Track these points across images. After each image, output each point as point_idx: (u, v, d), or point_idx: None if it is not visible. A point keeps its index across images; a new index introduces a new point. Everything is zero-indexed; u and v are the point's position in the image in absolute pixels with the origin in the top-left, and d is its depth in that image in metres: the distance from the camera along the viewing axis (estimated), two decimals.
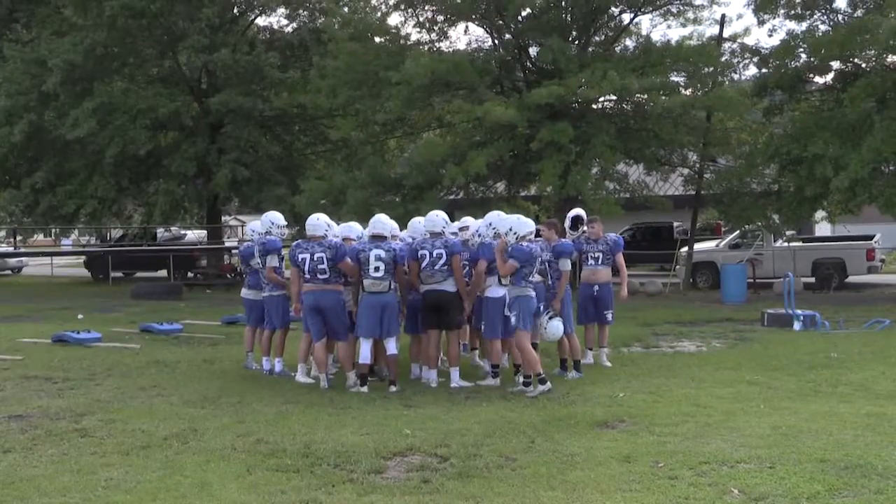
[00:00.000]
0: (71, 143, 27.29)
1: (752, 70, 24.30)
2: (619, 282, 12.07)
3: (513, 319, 9.71)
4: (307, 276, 10.19)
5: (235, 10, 30.61)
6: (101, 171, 28.08)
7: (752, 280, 22.36)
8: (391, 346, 10.01)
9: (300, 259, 10.22)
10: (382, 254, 9.85)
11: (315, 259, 10.10)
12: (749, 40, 24.29)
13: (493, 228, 10.15)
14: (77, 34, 26.92)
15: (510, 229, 9.73)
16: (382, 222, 10.31)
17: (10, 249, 36.29)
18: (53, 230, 37.96)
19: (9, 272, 39.58)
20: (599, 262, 11.52)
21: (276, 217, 11.67)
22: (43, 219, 30.28)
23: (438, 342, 10.51)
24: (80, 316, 19.24)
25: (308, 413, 8.85)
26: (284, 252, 11.45)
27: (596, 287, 11.51)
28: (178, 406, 9.31)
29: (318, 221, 10.44)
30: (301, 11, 30.67)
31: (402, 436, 7.78)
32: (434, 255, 10.06)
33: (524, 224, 9.91)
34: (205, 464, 7.06)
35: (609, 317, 11.63)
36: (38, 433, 8.25)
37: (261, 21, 32.20)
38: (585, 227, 11.66)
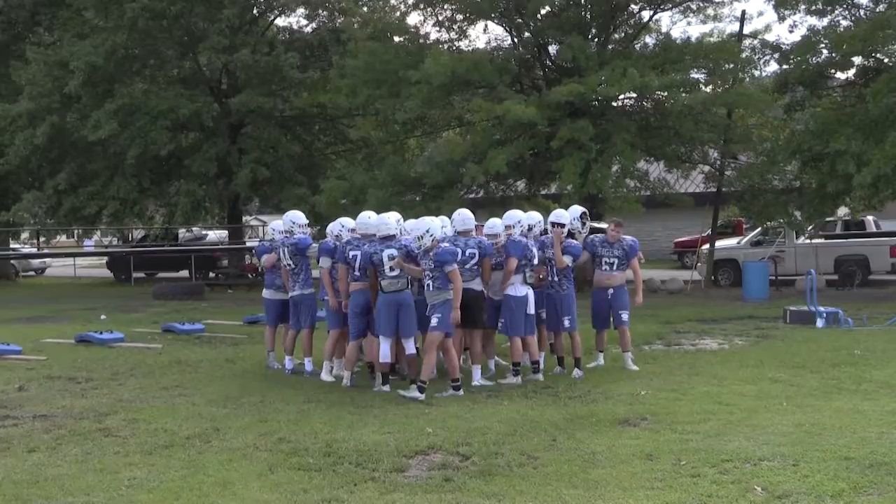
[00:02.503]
0: (93, 145, 27.45)
1: (773, 66, 24.22)
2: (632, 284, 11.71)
3: (433, 321, 9.51)
4: (357, 273, 10.26)
5: (255, 11, 30.67)
6: (123, 173, 28.22)
7: (774, 277, 22.24)
8: (409, 346, 9.98)
9: (351, 256, 10.28)
10: (395, 252, 9.83)
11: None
12: (770, 36, 24.14)
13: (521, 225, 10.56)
14: (98, 36, 27.06)
15: (427, 231, 9.59)
16: (387, 223, 10.15)
17: (34, 250, 36.54)
18: (76, 231, 38.16)
19: (32, 273, 39.84)
20: (615, 267, 11.23)
21: (297, 216, 11.65)
22: (66, 220, 30.46)
23: (462, 341, 10.50)
24: (103, 316, 19.34)
25: (330, 412, 8.87)
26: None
27: (610, 291, 11.23)
28: (200, 405, 9.35)
29: (386, 221, 10.24)
30: (320, 11, 30.69)
31: (424, 434, 7.79)
32: (467, 254, 10.03)
33: (462, 220, 10.28)
34: (227, 463, 7.09)
35: (624, 316, 11.25)
36: (62, 433, 8.30)
37: (280, 21, 32.31)
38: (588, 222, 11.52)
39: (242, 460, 7.16)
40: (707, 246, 24.95)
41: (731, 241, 26.33)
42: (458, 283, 9.50)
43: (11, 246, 39.22)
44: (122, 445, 7.76)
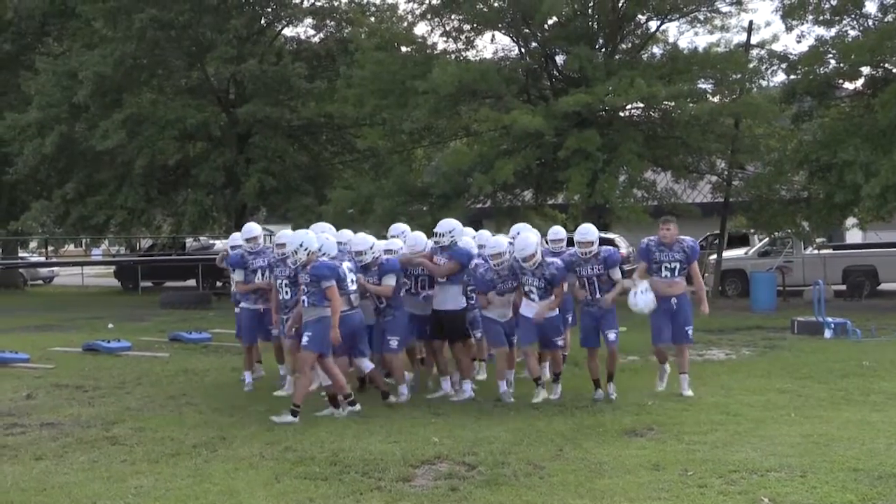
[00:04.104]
0: (101, 155, 27.54)
1: (781, 76, 24.13)
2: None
3: (304, 339, 9.00)
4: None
5: (263, 21, 30.76)
6: (131, 182, 28.30)
7: (781, 288, 22.18)
8: (365, 365, 9.82)
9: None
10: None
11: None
12: (777, 47, 24.01)
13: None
14: (107, 46, 27.16)
15: (301, 244, 9.16)
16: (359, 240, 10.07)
17: (42, 259, 36.63)
18: (84, 240, 38.27)
19: (40, 282, 39.93)
20: (676, 273, 9.86)
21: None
22: (74, 229, 30.55)
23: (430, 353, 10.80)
24: (110, 325, 19.37)
25: (335, 421, 8.87)
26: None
27: (674, 300, 9.85)
28: (206, 414, 9.36)
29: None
30: (328, 22, 30.79)
31: (430, 444, 7.78)
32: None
33: (414, 241, 10.26)
34: (233, 472, 7.09)
35: (690, 333, 9.94)
36: (69, 441, 8.31)
37: (288, 32, 32.34)
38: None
39: (248, 469, 7.16)
40: (714, 256, 24.90)
41: (738, 252, 26.27)
42: (336, 303, 8.91)
43: (20, 255, 39.40)
44: (128, 454, 7.77)
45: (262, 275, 10.91)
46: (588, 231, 9.90)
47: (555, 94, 23.10)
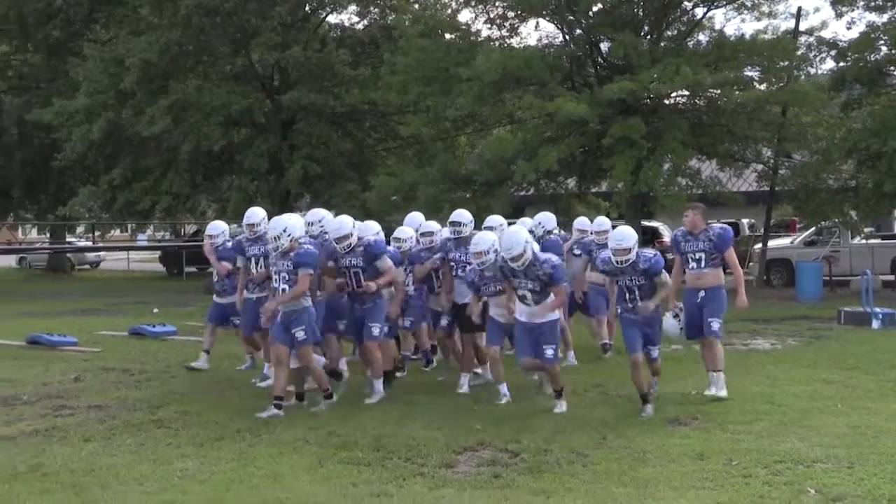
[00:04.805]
0: (147, 140, 27.82)
1: (830, 64, 23.81)
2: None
3: (300, 334, 8.62)
4: None
5: (307, 8, 30.82)
6: (176, 168, 28.58)
7: (828, 278, 21.92)
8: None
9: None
10: None
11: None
12: (826, 33, 23.67)
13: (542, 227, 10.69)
14: (153, 33, 27.40)
15: (284, 230, 8.70)
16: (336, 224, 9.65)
17: (89, 244, 37.09)
18: (130, 226, 38.68)
19: (87, 266, 40.49)
20: (703, 264, 9.07)
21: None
22: (120, 214, 30.90)
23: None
24: (155, 310, 19.57)
25: (378, 406, 8.91)
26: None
27: (701, 293, 9.08)
28: (250, 399, 9.42)
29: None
30: (372, 8, 30.82)
31: (473, 431, 7.79)
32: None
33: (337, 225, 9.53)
34: (277, 456, 7.15)
35: (714, 325, 8.98)
36: (116, 423, 8.42)
37: (332, 18, 32.45)
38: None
39: (292, 454, 7.21)
40: (759, 246, 24.65)
41: (784, 241, 25.99)
42: (301, 288, 8.54)
43: (67, 240, 39.93)
44: (174, 437, 7.86)
45: (257, 264, 10.05)
46: (624, 236, 8.50)
47: (599, 81, 22.94)
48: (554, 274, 8.50)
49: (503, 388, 9.16)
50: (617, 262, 8.47)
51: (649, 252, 8.70)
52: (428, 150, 27.50)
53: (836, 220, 22.85)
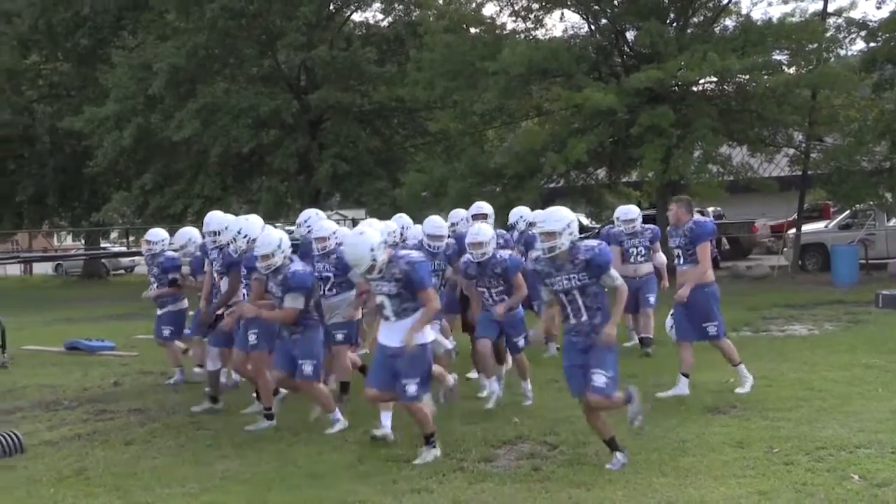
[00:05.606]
0: (177, 145, 27.97)
1: (860, 44, 23.54)
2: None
3: (251, 338, 8.23)
4: None
5: (332, 7, 30.91)
6: (207, 171, 28.76)
7: (864, 261, 21.69)
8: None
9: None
10: None
11: None
12: (855, 14, 23.42)
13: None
14: (180, 38, 27.60)
15: (239, 231, 8.43)
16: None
17: (123, 249, 37.42)
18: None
19: (122, 271, 40.82)
20: (682, 259, 8.86)
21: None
22: (153, 219, 31.05)
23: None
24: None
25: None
26: None
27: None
28: (289, 400, 9.43)
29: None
30: (396, 5, 30.82)
31: (511, 424, 7.80)
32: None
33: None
34: (317, 455, 7.19)
35: (711, 331, 8.76)
36: (156, 426, 8.52)
37: (357, 17, 32.53)
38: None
39: (332, 452, 7.25)
40: (793, 231, 24.44)
41: (818, 225, 25.74)
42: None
43: (102, 245, 40.31)
44: (214, 438, 7.93)
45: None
46: (547, 217, 6.63)
47: (626, 70, 22.84)
48: (411, 272, 6.81)
49: (492, 384, 8.76)
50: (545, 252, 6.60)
51: (592, 242, 6.71)
52: (456, 145, 27.53)
53: (871, 202, 22.59)
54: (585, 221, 28.09)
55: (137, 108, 28.00)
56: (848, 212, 24.30)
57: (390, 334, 6.88)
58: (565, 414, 8.05)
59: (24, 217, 37.27)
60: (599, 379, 6.36)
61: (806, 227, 24.63)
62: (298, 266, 7.85)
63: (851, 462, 6.26)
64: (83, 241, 40.47)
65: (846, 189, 22.39)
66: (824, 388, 8.68)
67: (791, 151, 24.80)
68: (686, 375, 8.80)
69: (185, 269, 10.45)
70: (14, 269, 40.22)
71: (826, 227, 25.11)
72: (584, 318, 6.48)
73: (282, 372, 7.89)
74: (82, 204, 35.99)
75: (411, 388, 6.77)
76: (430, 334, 7.06)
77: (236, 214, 29.94)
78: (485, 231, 8.52)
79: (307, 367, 7.80)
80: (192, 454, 7.44)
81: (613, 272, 6.53)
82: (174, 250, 10.94)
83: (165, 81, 26.89)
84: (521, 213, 11.15)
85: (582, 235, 6.76)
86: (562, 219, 6.47)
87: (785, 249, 24.67)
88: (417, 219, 10.51)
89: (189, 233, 10.73)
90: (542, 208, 8.01)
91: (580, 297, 6.47)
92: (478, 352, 8.94)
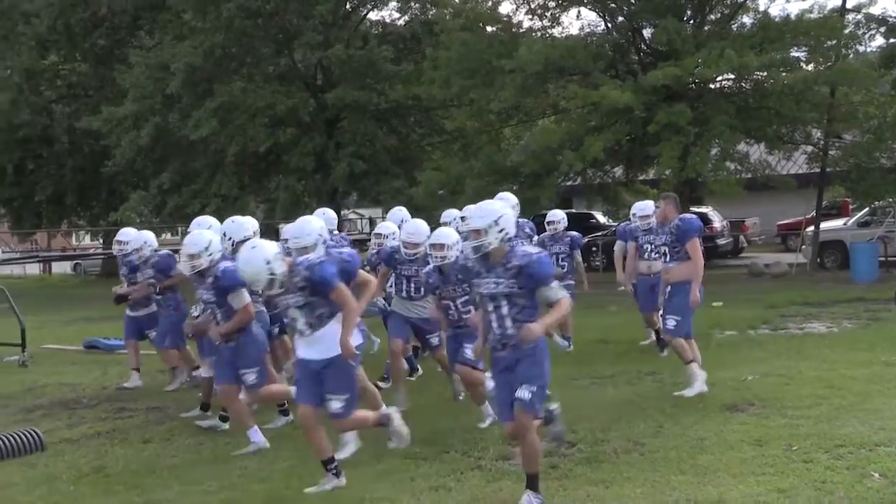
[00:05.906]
0: (194, 144, 28.09)
1: (879, 41, 23.42)
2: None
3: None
4: None
5: (348, 6, 30.98)
6: (224, 170, 28.86)
7: (883, 258, 21.56)
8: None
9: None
10: None
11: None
12: (875, 10, 23.26)
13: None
14: (196, 37, 27.69)
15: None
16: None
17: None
18: (180, 229, 39.12)
19: None
20: (668, 256, 8.92)
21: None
22: (170, 218, 31.26)
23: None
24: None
25: (434, 402, 8.91)
26: None
27: (668, 288, 8.89)
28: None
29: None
30: (413, 4, 30.88)
31: None
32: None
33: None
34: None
35: (671, 325, 8.79)
36: (174, 424, 8.55)
37: (373, 15, 32.60)
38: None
39: None
40: (812, 228, 24.31)
41: (837, 223, 25.59)
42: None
43: None
44: (232, 437, 7.93)
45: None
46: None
47: (643, 68, 22.80)
48: (311, 276, 6.17)
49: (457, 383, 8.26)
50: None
51: (532, 248, 6.12)
52: (473, 143, 27.54)
53: (890, 199, 22.45)
54: (602, 219, 28.09)
55: (155, 108, 28.13)
56: (867, 209, 24.15)
57: (308, 348, 6.31)
58: (583, 412, 8.02)
59: (43, 217, 37.44)
60: (524, 393, 5.61)
61: (824, 225, 24.50)
62: (228, 263, 7.48)
63: (871, 460, 6.22)
64: (101, 241, 40.56)
65: (865, 186, 22.26)
66: (844, 385, 8.63)
67: (809, 148, 24.66)
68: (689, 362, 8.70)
69: (149, 272, 10.29)
70: (33, 269, 40.39)
71: (845, 224, 24.97)
72: (510, 330, 5.65)
73: (227, 384, 7.58)
74: (100, 203, 36.16)
75: (335, 405, 6.26)
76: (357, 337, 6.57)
77: (254, 214, 29.91)
78: (447, 233, 7.77)
79: (250, 377, 7.46)
80: (210, 452, 7.47)
81: (554, 287, 5.70)
82: (127, 253, 10.70)
83: (182, 81, 26.99)
84: (453, 214, 10.20)
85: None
86: (488, 214, 5.68)
87: (804, 247, 24.55)
88: (433, 218, 10.27)
89: (132, 233, 10.76)
90: (559, 207, 7.81)
91: (507, 306, 5.64)
92: (392, 352, 8.65)
